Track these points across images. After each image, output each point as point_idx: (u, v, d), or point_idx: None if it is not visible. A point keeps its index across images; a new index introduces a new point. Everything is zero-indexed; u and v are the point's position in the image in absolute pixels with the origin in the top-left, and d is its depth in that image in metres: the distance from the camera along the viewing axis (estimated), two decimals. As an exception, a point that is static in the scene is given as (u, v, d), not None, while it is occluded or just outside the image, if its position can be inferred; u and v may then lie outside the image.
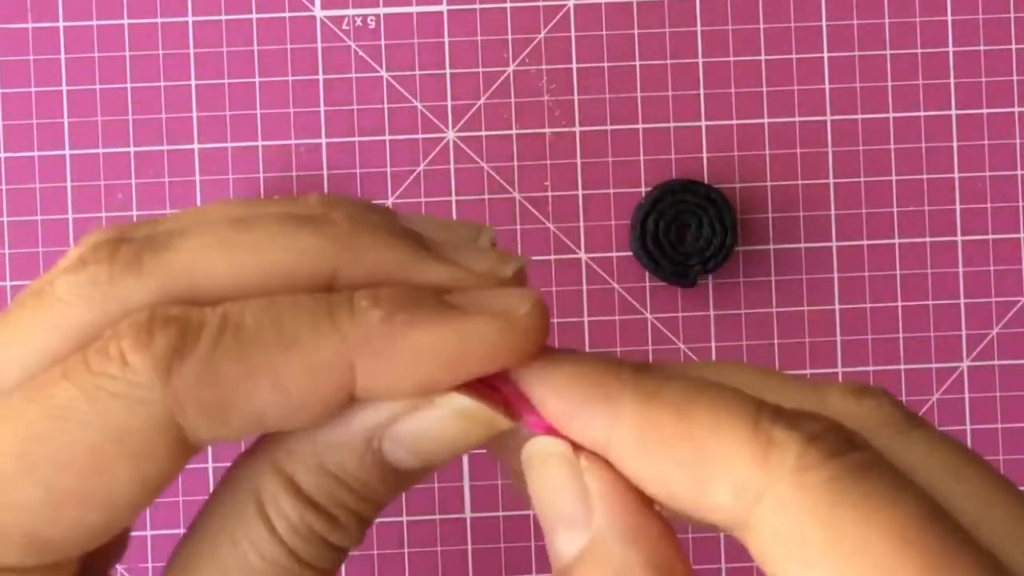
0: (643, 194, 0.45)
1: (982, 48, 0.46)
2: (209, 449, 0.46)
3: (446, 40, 0.46)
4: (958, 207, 0.46)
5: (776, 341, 0.46)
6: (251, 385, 0.20)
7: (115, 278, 0.21)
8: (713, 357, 0.46)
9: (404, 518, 0.45)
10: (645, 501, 0.21)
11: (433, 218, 0.24)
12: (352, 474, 0.22)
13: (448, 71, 0.46)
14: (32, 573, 0.21)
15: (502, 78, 0.46)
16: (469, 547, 0.45)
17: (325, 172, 0.46)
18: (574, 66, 0.46)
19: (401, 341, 0.21)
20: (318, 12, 0.46)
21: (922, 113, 0.46)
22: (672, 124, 0.46)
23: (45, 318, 0.21)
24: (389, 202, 0.46)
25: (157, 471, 0.21)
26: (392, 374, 0.21)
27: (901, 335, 0.46)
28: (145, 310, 0.21)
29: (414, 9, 0.46)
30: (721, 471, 0.20)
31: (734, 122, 0.46)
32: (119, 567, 0.45)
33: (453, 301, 0.22)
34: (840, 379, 0.46)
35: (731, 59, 0.46)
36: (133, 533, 0.46)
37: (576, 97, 0.46)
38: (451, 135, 0.46)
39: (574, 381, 0.21)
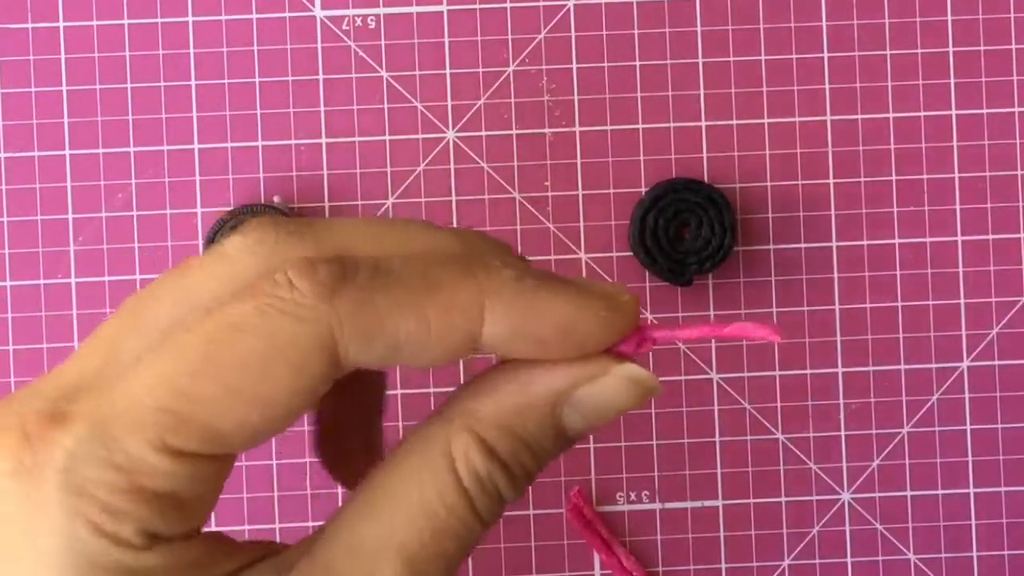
0: (643, 193, 0.45)
1: (982, 48, 0.46)
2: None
3: (446, 40, 0.46)
4: (958, 207, 0.46)
5: (776, 341, 0.46)
6: (399, 315, 0.24)
7: (279, 240, 0.25)
8: (713, 357, 0.46)
9: (404, 518, 0.45)
10: None
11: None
12: (534, 436, 0.25)
13: (448, 71, 0.46)
14: (203, 461, 0.24)
15: (502, 78, 0.46)
16: (469, 547, 0.45)
17: (325, 172, 0.46)
18: (574, 66, 0.46)
19: (528, 298, 0.25)
20: (318, 12, 0.46)
21: (922, 113, 0.46)
22: (672, 124, 0.46)
23: (215, 270, 0.25)
24: (389, 202, 0.46)
25: (311, 382, 0.24)
26: (515, 326, 0.25)
27: (901, 335, 0.46)
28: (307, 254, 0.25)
29: (414, 9, 0.46)
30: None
31: (734, 122, 0.46)
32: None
33: (572, 278, 0.26)
34: (840, 379, 0.46)
35: (731, 59, 0.46)
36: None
37: (576, 97, 0.46)
38: (451, 135, 0.46)
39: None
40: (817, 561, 0.46)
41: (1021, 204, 0.46)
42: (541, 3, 0.46)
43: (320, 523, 0.26)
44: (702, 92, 0.46)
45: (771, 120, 0.46)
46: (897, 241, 0.46)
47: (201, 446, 0.23)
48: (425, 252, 0.26)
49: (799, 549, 0.46)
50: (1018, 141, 0.46)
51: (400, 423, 0.45)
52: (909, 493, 0.46)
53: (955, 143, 0.46)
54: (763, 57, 0.46)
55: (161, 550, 0.23)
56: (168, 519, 0.23)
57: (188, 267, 0.26)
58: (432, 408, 0.27)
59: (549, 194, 0.46)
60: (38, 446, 0.23)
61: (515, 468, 0.25)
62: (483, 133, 0.46)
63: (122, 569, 0.23)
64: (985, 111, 0.46)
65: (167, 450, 0.23)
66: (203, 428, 0.23)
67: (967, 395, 0.46)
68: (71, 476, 0.23)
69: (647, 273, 0.46)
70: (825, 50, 0.46)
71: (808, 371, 0.46)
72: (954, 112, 0.46)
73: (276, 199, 0.45)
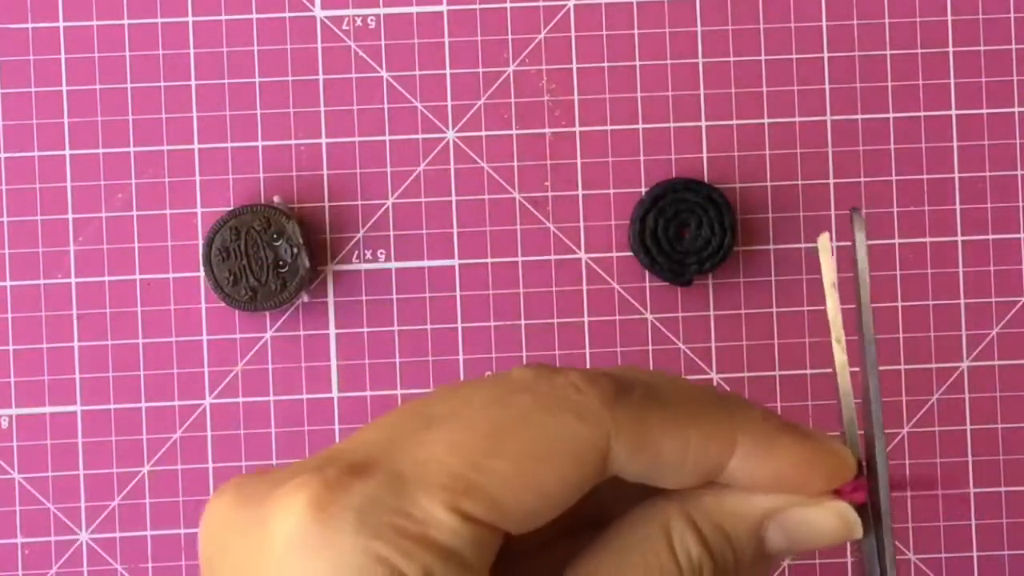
0: (643, 193, 0.45)
1: (982, 48, 0.46)
2: (209, 450, 0.46)
3: (446, 40, 0.46)
4: (958, 207, 0.46)
5: (776, 341, 0.46)
6: (665, 434, 0.27)
7: (557, 370, 0.28)
8: (713, 357, 0.46)
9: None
10: None
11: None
12: (739, 541, 0.28)
13: (448, 71, 0.46)
14: (485, 530, 0.26)
15: (502, 78, 0.46)
16: (469, 547, 0.45)
17: (325, 172, 0.46)
18: (574, 66, 0.46)
19: (773, 438, 0.28)
20: (318, 12, 0.46)
21: (922, 113, 0.46)
22: (672, 124, 0.46)
23: (494, 380, 0.28)
24: (389, 202, 0.46)
25: (583, 478, 0.26)
26: (759, 462, 0.27)
27: (901, 335, 0.46)
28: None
29: (414, 9, 0.46)
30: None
31: (734, 122, 0.46)
32: (119, 566, 0.45)
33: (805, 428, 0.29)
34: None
35: (731, 59, 0.46)
36: (133, 533, 0.46)
37: (576, 97, 0.46)
38: (451, 135, 0.46)
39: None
40: (817, 561, 0.46)
41: (1021, 204, 0.46)
42: (541, 3, 0.46)
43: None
44: (702, 92, 0.46)
45: (771, 120, 0.46)
46: (897, 241, 0.46)
47: (485, 515, 0.25)
48: (687, 387, 0.29)
49: (799, 549, 0.46)
50: (1018, 141, 0.46)
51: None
52: (909, 493, 0.46)
53: (955, 143, 0.46)
54: (763, 57, 0.46)
55: None
56: (449, 571, 0.25)
57: (466, 382, 0.29)
58: None
59: (549, 194, 0.46)
60: (337, 491, 0.25)
61: (719, 560, 0.28)
62: (483, 133, 0.46)
63: None
64: (985, 111, 0.46)
65: (456, 511, 0.25)
66: (489, 499, 0.25)
67: (967, 395, 0.46)
68: (366, 517, 0.25)
69: (647, 273, 0.46)
70: (825, 50, 0.46)
71: (808, 371, 0.46)
72: (954, 112, 0.46)
73: (276, 199, 0.45)
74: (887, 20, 0.46)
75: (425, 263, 0.46)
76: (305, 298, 0.45)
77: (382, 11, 0.46)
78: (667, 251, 0.45)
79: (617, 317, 0.46)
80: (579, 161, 0.46)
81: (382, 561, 0.24)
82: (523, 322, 0.46)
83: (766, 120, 0.46)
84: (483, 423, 0.26)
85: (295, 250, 0.45)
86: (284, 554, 0.25)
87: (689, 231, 0.45)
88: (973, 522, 0.46)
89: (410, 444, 0.26)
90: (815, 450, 0.28)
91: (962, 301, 0.46)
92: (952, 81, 0.46)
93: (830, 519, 0.29)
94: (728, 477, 0.28)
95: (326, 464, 0.26)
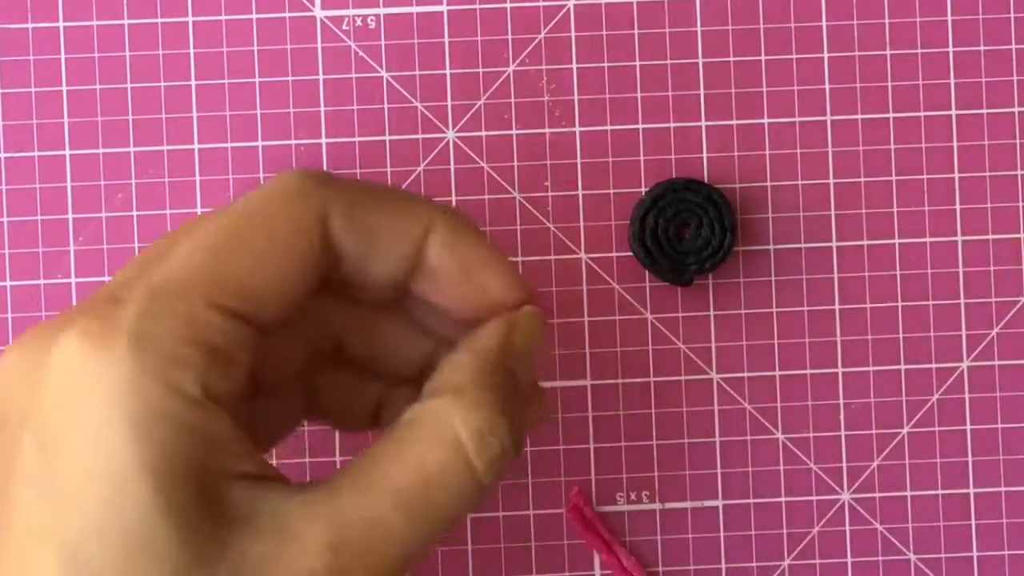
0: (643, 194, 0.45)
1: (982, 48, 0.46)
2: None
3: (446, 40, 0.46)
4: (958, 207, 0.46)
5: (776, 341, 0.46)
6: (373, 207, 0.31)
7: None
8: (713, 357, 0.46)
9: (404, 518, 0.45)
10: None
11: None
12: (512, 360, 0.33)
13: (448, 71, 0.46)
14: (243, 323, 0.28)
15: (502, 78, 0.46)
16: (469, 547, 0.45)
17: (325, 172, 0.46)
18: (574, 66, 0.46)
19: (463, 229, 0.33)
20: (318, 12, 0.46)
21: (922, 113, 0.46)
22: (672, 124, 0.46)
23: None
24: (389, 202, 0.46)
25: (310, 249, 0.29)
26: (453, 241, 0.32)
27: (901, 335, 0.46)
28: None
29: (414, 9, 0.46)
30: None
31: (734, 122, 0.46)
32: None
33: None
34: (841, 379, 0.46)
35: (731, 59, 0.46)
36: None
37: (576, 97, 0.46)
38: (451, 135, 0.46)
39: None
40: (817, 561, 0.46)
41: (1021, 204, 0.46)
42: (541, 3, 0.46)
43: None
44: (702, 92, 0.46)
45: (771, 120, 0.46)
46: (897, 241, 0.46)
47: (241, 304, 0.28)
48: (396, 189, 0.34)
49: (799, 549, 0.46)
50: (1018, 141, 0.46)
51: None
52: (909, 493, 0.46)
53: (955, 143, 0.46)
54: (763, 57, 0.46)
55: (212, 407, 0.27)
56: (220, 374, 0.27)
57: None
58: None
59: (549, 194, 0.46)
60: (104, 318, 0.26)
61: (504, 407, 0.30)
62: (483, 133, 0.46)
63: (178, 419, 0.26)
64: (985, 111, 0.46)
65: (215, 306, 0.27)
66: (241, 288, 0.28)
67: (967, 395, 0.46)
68: (138, 333, 0.26)
69: (647, 273, 0.46)
70: (825, 50, 0.46)
71: (808, 371, 0.46)
72: (954, 112, 0.46)
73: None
74: (887, 20, 0.46)
75: (425, 263, 0.46)
76: (305, 298, 0.45)
77: (382, 11, 0.46)
78: (667, 251, 0.45)
79: (617, 317, 0.46)
80: (579, 161, 0.46)
81: (156, 376, 0.26)
82: (523, 322, 0.46)
83: (766, 120, 0.46)
84: (221, 221, 0.29)
85: (295, 250, 0.45)
86: (63, 386, 0.26)
87: (689, 231, 0.45)
88: (973, 522, 0.46)
89: (163, 262, 0.28)
90: (496, 256, 0.33)
91: (962, 301, 0.46)
92: (952, 81, 0.46)
93: (536, 318, 0.34)
94: (430, 265, 0.32)
95: (91, 301, 0.28)
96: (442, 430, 0.29)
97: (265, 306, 0.28)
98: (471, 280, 0.32)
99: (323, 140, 0.46)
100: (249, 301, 0.28)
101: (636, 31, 0.46)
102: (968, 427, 0.46)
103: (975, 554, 0.46)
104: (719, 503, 0.46)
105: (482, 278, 0.32)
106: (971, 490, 0.46)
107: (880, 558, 0.46)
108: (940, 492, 0.46)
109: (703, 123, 0.46)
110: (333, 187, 0.30)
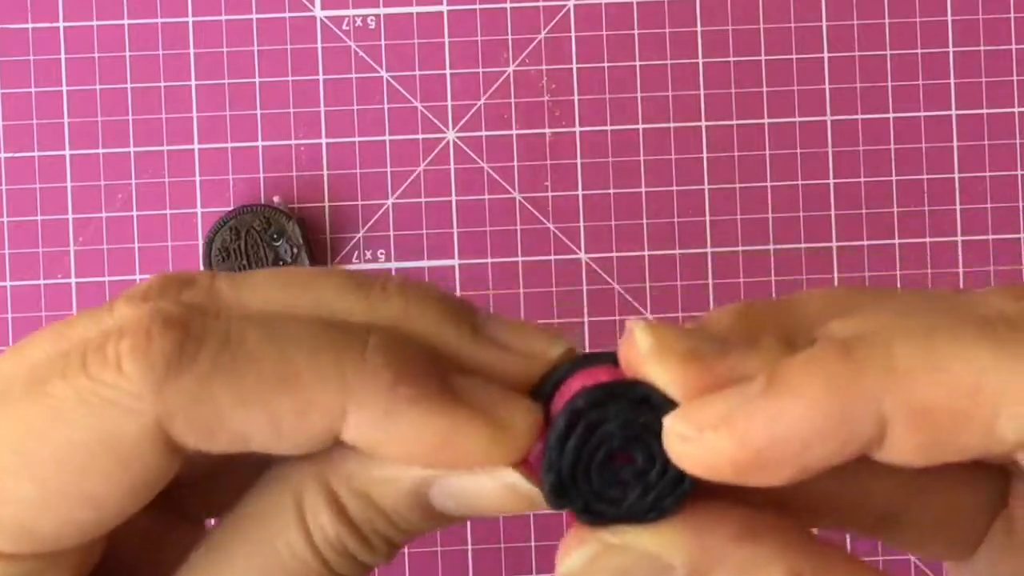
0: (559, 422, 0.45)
1: (982, 48, 0.46)
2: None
3: (446, 40, 0.46)
4: (958, 207, 0.46)
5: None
6: (243, 413, 0.21)
7: (164, 289, 0.23)
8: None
9: (404, 518, 0.45)
10: None
11: (508, 319, 0.24)
12: (395, 510, 0.22)
13: (448, 71, 0.46)
14: (26, 560, 0.21)
15: (502, 78, 0.46)
16: (469, 547, 0.45)
17: (325, 172, 0.46)
18: (574, 66, 0.46)
19: (397, 415, 0.21)
20: (318, 12, 0.46)
21: (922, 113, 0.46)
22: (672, 124, 0.46)
23: (97, 317, 0.23)
24: (389, 202, 0.46)
25: (145, 475, 0.21)
26: (379, 439, 0.21)
27: (901, 335, 0.46)
28: (149, 305, 0.22)
29: (414, 9, 0.46)
30: None
31: (734, 122, 0.46)
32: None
33: (463, 388, 0.22)
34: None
35: (731, 59, 0.46)
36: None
37: (576, 97, 0.46)
38: (451, 135, 0.46)
39: None
40: (817, 561, 0.46)
41: (1021, 204, 0.46)
42: (541, 3, 0.46)
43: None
44: (702, 92, 0.46)
45: (771, 120, 0.46)
46: (897, 241, 0.46)
47: (19, 547, 0.21)
48: (310, 318, 0.22)
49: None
50: (1018, 141, 0.46)
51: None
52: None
53: (955, 143, 0.46)
54: (763, 57, 0.46)
55: None
56: None
57: (80, 314, 0.23)
58: None
59: (549, 194, 0.46)
60: None
61: (370, 535, 0.22)
62: (483, 133, 0.46)
63: None
64: (985, 111, 0.46)
65: None
66: (19, 528, 0.21)
67: (967, 395, 0.46)
68: None
69: (647, 273, 0.46)
70: (825, 50, 0.46)
71: (808, 371, 0.46)
72: (954, 112, 0.46)
73: (276, 199, 0.45)
74: (887, 20, 0.46)
75: (425, 263, 0.46)
76: (305, 298, 0.45)
77: (382, 11, 0.46)
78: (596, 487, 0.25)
79: (617, 317, 0.46)
80: (579, 161, 0.46)
81: None
82: (523, 322, 0.46)
83: (766, 120, 0.46)
84: (15, 426, 0.21)
85: (295, 250, 0.45)
86: None
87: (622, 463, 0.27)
88: (973, 522, 0.46)
89: None
90: (461, 424, 0.21)
91: (962, 301, 0.46)
92: (952, 81, 0.46)
93: (496, 489, 0.22)
94: (354, 445, 0.22)
95: None
96: (295, 520, 0.22)
97: (69, 542, 0.22)
98: (416, 460, 0.22)
99: (323, 140, 0.46)
100: (39, 543, 0.21)
101: (636, 31, 0.46)
102: (968, 427, 0.46)
103: (975, 554, 0.46)
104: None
105: (426, 460, 0.22)
106: (971, 490, 0.46)
107: (880, 558, 0.46)
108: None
109: (703, 124, 0.46)
110: (179, 382, 0.21)
